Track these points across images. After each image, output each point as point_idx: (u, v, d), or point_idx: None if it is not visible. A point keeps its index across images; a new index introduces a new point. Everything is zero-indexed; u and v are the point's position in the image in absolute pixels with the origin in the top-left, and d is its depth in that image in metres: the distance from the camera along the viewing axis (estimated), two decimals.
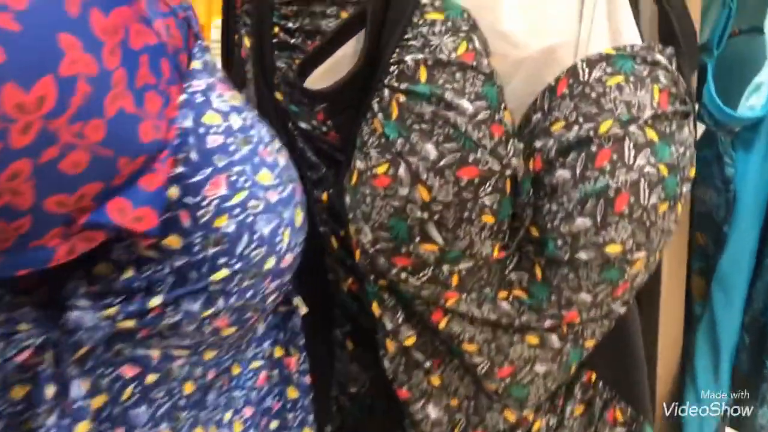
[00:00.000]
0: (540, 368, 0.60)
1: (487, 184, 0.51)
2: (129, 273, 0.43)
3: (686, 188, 0.56)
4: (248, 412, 0.55)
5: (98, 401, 0.45)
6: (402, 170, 0.51)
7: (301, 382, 0.59)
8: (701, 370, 0.80)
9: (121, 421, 0.46)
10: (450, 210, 0.51)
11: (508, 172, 0.52)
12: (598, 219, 0.52)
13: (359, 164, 0.54)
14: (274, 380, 0.58)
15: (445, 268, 0.54)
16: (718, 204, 0.76)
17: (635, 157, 0.52)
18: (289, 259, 0.47)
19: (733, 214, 0.74)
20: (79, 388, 0.42)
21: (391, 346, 0.60)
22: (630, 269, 0.55)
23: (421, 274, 0.54)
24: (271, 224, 0.45)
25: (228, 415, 0.53)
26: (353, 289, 0.65)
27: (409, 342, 0.59)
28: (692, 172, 0.57)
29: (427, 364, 0.60)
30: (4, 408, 0.42)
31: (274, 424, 0.58)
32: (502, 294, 0.57)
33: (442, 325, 0.57)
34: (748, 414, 0.81)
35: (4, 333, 0.40)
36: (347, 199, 0.56)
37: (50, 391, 0.41)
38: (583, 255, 0.53)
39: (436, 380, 0.61)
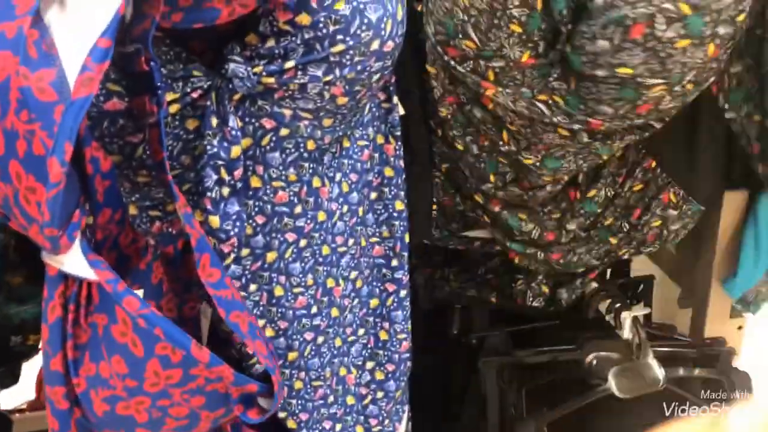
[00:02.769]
0: (570, 149, 0.73)
1: None
2: (271, 42, 0.57)
3: (725, 30, 0.60)
4: (354, 177, 0.70)
5: (246, 142, 0.61)
6: None
7: (396, 165, 0.73)
8: (763, 211, 0.87)
9: (260, 161, 0.63)
10: (483, 16, 0.63)
11: None
12: (615, 42, 0.60)
13: None
14: (375, 160, 0.72)
15: (482, 63, 0.67)
16: None
17: None
18: (390, 45, 0.59)
19: None
20: (234, 120, 0.58)
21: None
22: (647, 92, 0.63)
23: (465, 64, 0.68)
24: (377, 13, 0.57)
25: (338, 176, 0.68)
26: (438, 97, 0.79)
27: (444, 113, 0.76)
28: (740, 17, 0.60)
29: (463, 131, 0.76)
30: (182, 134, 0.59)
31: (373, 195, 0.73)
32: (543, 96, 0.68)
33: (490, 107, 0.73)
34: None
35: (184, 76, 0.56)
36: None
37: (214, 121, 0.57)
38: (599, 72, 0.62)
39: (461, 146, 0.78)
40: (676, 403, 0.83)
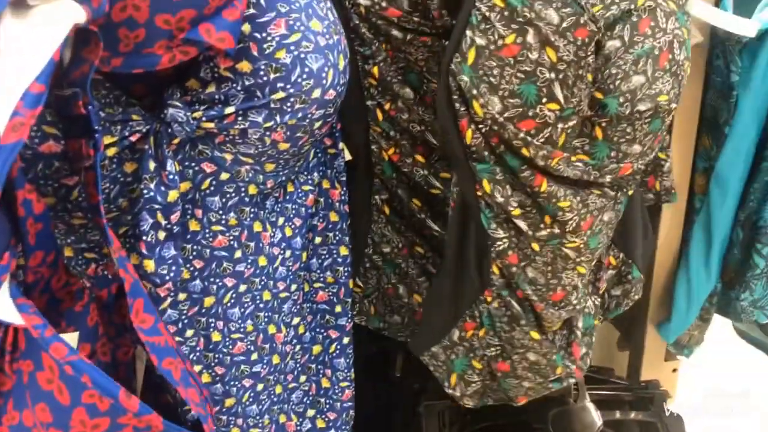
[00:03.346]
0: (605, 217, 0.71)
1: (592, 44, 0.60)
2: (211, 88, 0.58)
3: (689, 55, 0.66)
4: (297, 222, 0.70)
5: (184, 186, 0.61)
6: (530, 36, 0.59)
7: (341, 210, 0.73)
8: (694, 256, 0.91)
9: (200, 204, 0.63)
10: (571, 68, 0.60)
11: (598, 36, 0.60)
12: (649, 74, 0.62)
13: (479, 41, 0.60)
14: (320, 205, 0.73)
15: (559, 126, 0.63)
16: (723, 108, 0.85)
17: (666, 23, 0.62)
18: (332, 93, 0.60)
19: (734, 117, 0.83)
20: (172, 165, 0.58)
21: (498, 219, 0.69)
22: (667, 118, 0.66)
23: (540, 136, 0.63)
24: (318, 62, 0.58)
25: (281, 220, 0.69)
26: (394, 159, 0.78)
27: (516, 213, 0.68)
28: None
29: (531, 233, 0.69)
30: (119, 177, 0.58)
31: (317, 240, 0.73)
32: (573, 159, 0.66)
33: (543, 187, 0.66)
34: (732, 299, 0.92)
35: (123, 119, 0.56)
36: (464, 79, 0.62)
37: (152, 165, 0.57)
38: (641, 106, 0.63)
39: (536, 246, 0.70)
40: None
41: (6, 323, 0.52)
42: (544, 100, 0.61)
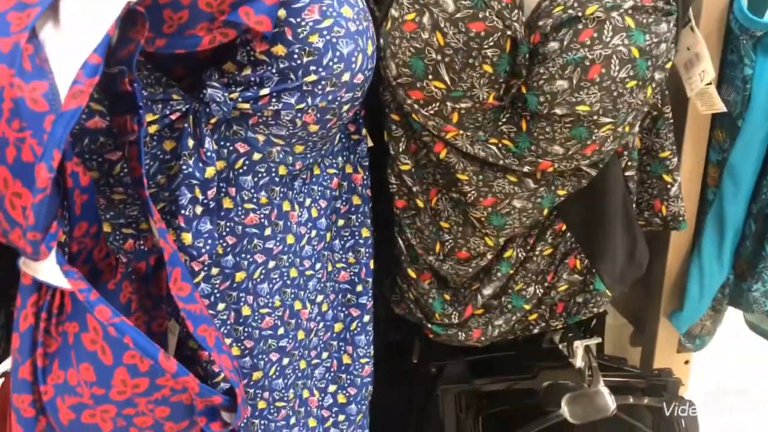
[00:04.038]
0: (517, 203, 0.75)
1: (490, 39, 0.64)
2: (247, 70, 0.61)
3: (659, 75, 0.67)
4: (323, 203, 0.73)
5: (220, 165, 0.64)
6: (426, 18, 0.65)
7: (363, 194, 0.76)
8: (707, 247, 0.93)
9: (233, 183, 0.65)
10: (458, 55, 0.65)
11: (509, 33, 0.64)
12: (574, 82, 0.65)
13: (393, 12, 0.67)
14: (344, 188, 0.75)
15: (449, 104, 0.68)
16: (736, 101, 0.87)
17: (612, 37, 0.63)
18: (360, 77, 0.63)
19: (747, 110, 0.85)
20: (209, 143, 0.60)
21: (393, 168, 0.77)
22: (597, 131, 0.67)
23: (429, 108, 0.69)
24: (349, 47, 0.61)
25: (308, 201, 0.71)
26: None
27: (405, 167, 0.76)
28: (668, 65, 0.67)
29: (415, 188, 0.77)
30: (159, 154, 0.61)
31: (340, 222, 0.76)
32: (493, 140, 0.72)
33: (442, 155, 0.74)
34: (744, 290, 0.94)
35: (163, 98, 0.59)
36: (381, 41, 0.69)
37: (191, 142, 0.60)
38: (558, 110, 0.66)
39: (420, 203, 0.78)
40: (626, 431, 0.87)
41: (53, 288, 0.55)
42: (430, 77, 0.67)
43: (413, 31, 0.66)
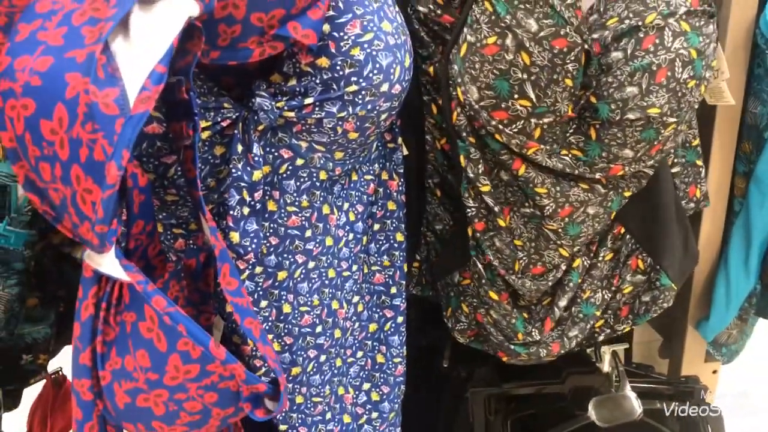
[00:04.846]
0: (591, 210, 0.78)
1: (571, 54, 0.67)
2: (293, 81, 0.65)
3: (708, 74, 0.71)
4: (360, 208, 0.77)
5: (265, 169, 0.68)
6: (509, 40, 0.68)
7: (398, 200, 0.80)
8: (733, 257, 0.94)
9: (277, 187, 0.70)
10: (544, 72, 0.67)
11: (585, 46, 0.68)
12: (644, 87, 0.68)
13: (470, 38, 0.69)
14: (380, 194, 0.79)
15: (533, 121, 0.71)
16: (762, 114, 0.89)
17: (672, 42, 0.68)
18: (398, 88, 0.67)
19: None
20: (257, 148, 0.65)
21: (470, 191, 0.79)
22: (664, 131, 0.71)
23: (513, 126, 0.71)
24: (388, 59, 0.65)
25: (346, 205, 0.75)
26: (445, 148, 0.85)
27: (485, 189, 0.78)
28: (714, 63, 0.72)
29: (497, 209, 0.79)
30: (210, 159, 0.66)
31: (376, 226, 0.80)
32: (564, 152, 0.75)
33: (521, 171, 0.75)
34: None
35: (215, 107, 0.64)
36: (455, 67, 0.72)
37: (240, 148, 0.64)
38: (630, 115, 0.70)
39: (502, 222, 0.80)
40: None
41: (113, 280, 0.59)
42: (516, 96, 0.69)
43: (496, 54, 0.68)
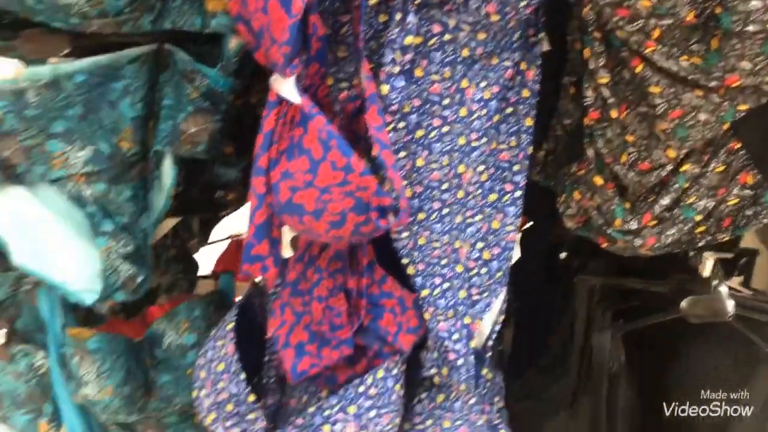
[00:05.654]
0: (701, 116, 0.84)
1: None
2: None
3: None
4: (495, 89, 0.89)
5: (417, 40, 0.83)
6: None
7: (533, 88, 0.91)
8: None
9: (425, 57, 0.84)
10: None
11: None
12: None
13: None
14: (516, 81, 0.91)
15: (652, 21, 0.78)
16: None
17: None
18: None
19: None
20: (412, 17, 0.79)
21: (591, 82, 0.88)
22: None
23: (634, 24, 0.79)
24: None
25: (483, 84, 0.88)
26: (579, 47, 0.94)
27: (602, 81, 0.86)
28: None
29: (611, 101, 0.87)
30: (373, 24, 0.81)
31: (509, 110, 0.92)
32: (684, 57, 0.82)
33: (638, 69, 0.83)
34: None
35: None
36: None
37: (398, 15, 0.79)
38: (750, 28, 0.76)
39: (615, 114, 0.87)
40: (745, 347, 0.94)
41: (290, 103, 0.78)
42: None
43: None
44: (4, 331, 1.09)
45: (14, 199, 0.94)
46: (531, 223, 1.22)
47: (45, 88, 0.88)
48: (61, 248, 0.96)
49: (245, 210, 1.41)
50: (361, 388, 0.92)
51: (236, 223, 1.55)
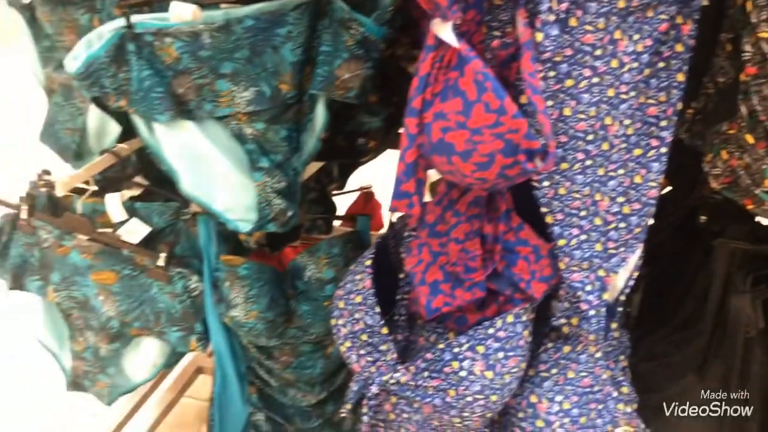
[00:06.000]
0: None
1: None
2: None
3: None
4: (648, 42, 0.88)
5: None
6: None
7: (687, 43, 0.89)
8: None
9: (581, 7, 0.85)
10: None
11: None
12: None
13: None
14: (670, 36, 0.89)
15: None
16: None
17: None
18: None
19: None
20: None
21: (751, 37, 0.85)
22: None
23: None
24: None
25: (636, 36, 0.88)
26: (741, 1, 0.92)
27: (764, 35, 0.84)
28: None
29: None
30: None
31: (661, 64, 0.91)
32: None
33: None
34: None
35: None
36: None
37: None
38: None
39: None
40: None
41: (447, 47, 0.81)
42: None
43: None
44: (164, 255, 1.20)
45: (185, 133, 1.03)
46: (670, 187, 1.20)
47: (218, 31, 0.96)
48: (223, 180, 1.05)
49: (376, 162, 1.48)
50: (491, 330, 0.96)
51: (366, 175, 1.62)
